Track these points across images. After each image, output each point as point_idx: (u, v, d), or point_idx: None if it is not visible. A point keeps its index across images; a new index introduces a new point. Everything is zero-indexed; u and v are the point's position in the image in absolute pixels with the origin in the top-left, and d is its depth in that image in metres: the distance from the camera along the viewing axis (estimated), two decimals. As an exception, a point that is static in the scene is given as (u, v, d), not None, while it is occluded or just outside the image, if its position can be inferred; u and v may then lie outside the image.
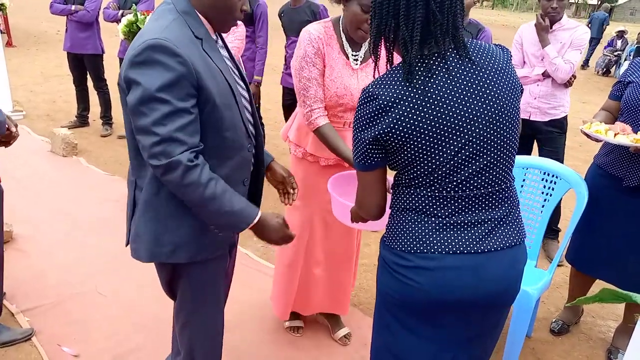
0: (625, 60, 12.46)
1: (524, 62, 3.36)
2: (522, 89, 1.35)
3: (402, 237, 1.34)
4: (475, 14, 3.45)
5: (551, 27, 3.19)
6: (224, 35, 3.03)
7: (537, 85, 3.26)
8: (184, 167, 1.34)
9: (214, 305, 1.79)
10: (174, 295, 1.73)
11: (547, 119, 3.29)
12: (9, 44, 9.56)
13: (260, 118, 2.99)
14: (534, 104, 3.29)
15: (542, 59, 3.23)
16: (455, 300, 1.31)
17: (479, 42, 1.30)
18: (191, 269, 1.61)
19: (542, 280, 2.35)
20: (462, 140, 1.22)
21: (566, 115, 3.32)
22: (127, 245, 1.67)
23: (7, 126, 2.07)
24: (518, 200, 1.40)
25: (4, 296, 2.54)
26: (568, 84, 3.24)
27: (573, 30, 3.19)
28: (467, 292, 1.31)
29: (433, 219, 1.30)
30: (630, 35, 14.27)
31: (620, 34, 13.49)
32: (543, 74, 3.22)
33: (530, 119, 3.29)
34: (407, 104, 1.20)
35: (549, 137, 3.33)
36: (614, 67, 13.23)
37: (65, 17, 5.07)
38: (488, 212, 1.31)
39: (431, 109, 1.20)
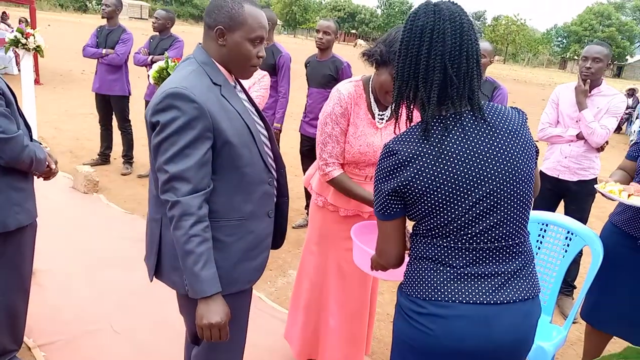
0: (637, 118, 12.59)
1: (558, 121, 3.42)
2: (538, 150, 1.42)
3: (418, 284, 1.40)
4: (488, 69, 3.58)
5: (590, 91, 3.27)
6: (249, 83, 3.19)
7: (569, 145, 3.32)
8: (182, 211, 1.47)
9: (239, 341, 1.83)
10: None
11: (575, 179, 3.33)
12: (36, 81, 9.92)
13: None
14: (564, 163, 3.34)
15: (577, 121, 3.29)
16: (466, 349, 1.34)
17: (495, 104, 1.38)
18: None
19: (558, 336, 2.34)
20: (477, 196, 1.29)
21: (595, 178, 3.33)
22: (151, 280, 1.73)
23: (47, 163, 2.20)
24: (533, 255, 1.44)
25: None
26: (600, 148, 3.30)
27: (611, 98, 3.25)
28: (479, 342, 1.34)
29: (448, 268, 1.35)
30: (640, 94, 14.44)
31: (631, 92, 13.69)
32: (577, 136, 3.29)
33: (559, 177, 3.35)
34: (423, 160, 1.29)
35: (577, 197, 3.36)
36: (625, 124, 13.36)
37: (96, 59, 5.31)
38: (502, 265, 1.35)
39: (446, 165, 1.28)
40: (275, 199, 1.81)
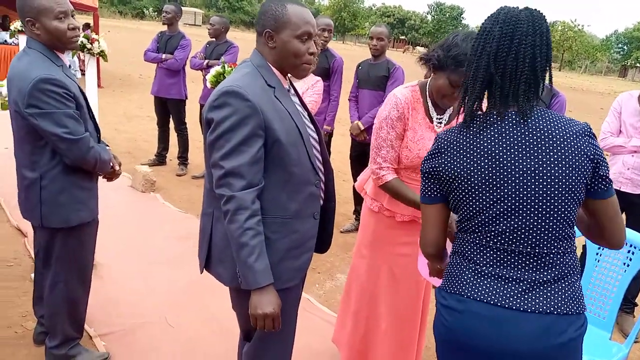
0: None
1: (620, 130, 3.29)
2: (593, 167, 1.32)
3: (447, 277, 1.47)
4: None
5: None
6: (303, 88, 3.24)
7: (632, 156, 3.19)
8: (237, 205, 1.52)
9: (289, 336, 1.87)
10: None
11: (638, 192, 3.19)
12: (98, 85, 10.40)
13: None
14: (627, 175, 3.22)
15: None
16: (476, 347, 1.37)
17: (554, 113, 1.35)
18: None
19: (619, 353, 2.24)
20: (501, 193, 1.32)
21: None
22: (201, 272, 1.79)
23: (111, 164, 2.31)
24: (575, 271, 1.38)
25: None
26: None
27: None
28: (489, 343, 1.35)
29: (473, 265, 1.40)
30: None
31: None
32: None
33: (621, 189, 3.21)
34: (456, 149, 1.38)
35: (639, 210, 3.22)
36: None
37: (156, 64, 5.54)
38: (528, 272, 1.34)
39: (475, 158, 1.34)
40: (322, 202, 1.84)
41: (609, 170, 1.35)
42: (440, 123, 2.13)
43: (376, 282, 2.36)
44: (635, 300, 3.41)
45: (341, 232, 4.50)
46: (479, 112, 1.38)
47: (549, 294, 1.33)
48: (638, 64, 61.27)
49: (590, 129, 1.34)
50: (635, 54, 61.09)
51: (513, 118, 1.34)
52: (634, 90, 3.30)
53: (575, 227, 1.38)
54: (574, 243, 1.39)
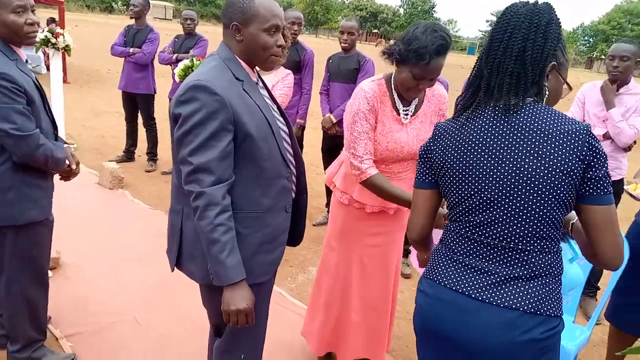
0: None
1: (584, 120, 3.36)
2: (584, 169, 1.25)
3: (429, 264, 1.50)
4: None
5: (618, 90, 3.21)
6: (273, 82, 3.22)
7: None
8: (207, 201, 1.51)
9: (261, 330, 1.86)
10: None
11: None
12: (64, 80, 10.15)
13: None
14: None
15: (604, 120, 3.23)
16: (443, 334, 1.39)
17: (551, 111, 1.29)
18: None
19: (581, 336, 2.31)
20: (477, 185, 1.34)
21: (622, 179, 3.25)
22: (172, 270, 1.77)
23: (68, 163, 2.23)
24: (554, 272, 1.34)
25: (49, 320, 2.66)
26: (628, 148, 3.23)
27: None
28: (453, 331, 1.37)
29: (451, 253, 1.42)
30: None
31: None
32: (604, 135, 3.22)
33: None
34: (446, 138, 1.41)
35: None
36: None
37: (123, 58, 5.42)
38: (500, 266, 1.33)
39: (459, 149, 1.37)
40: (293, 195, 1.84)
41: (606, 175, 1.25)
42: (407, 115, 2.15)
43: (347, 274, 2.38)
44: (598, 284, 3.52)
45: (314, 225, 4.51)
46: (473, 104, 1.39)
47: (518, 290, 1.31)
48: (603, 56, 62.87)
49: (588, 129, 1.25)
50: (600, 46, 62.64)
51: (497, 112, 1.32)
52: (597, 80, 3.39)
53: (559, 228, 1.33)
54: (557, 244, 1.35)
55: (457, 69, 24.08)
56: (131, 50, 5.30)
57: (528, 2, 1.34)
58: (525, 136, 1.28)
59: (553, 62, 1.32)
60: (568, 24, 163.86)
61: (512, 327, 1.30)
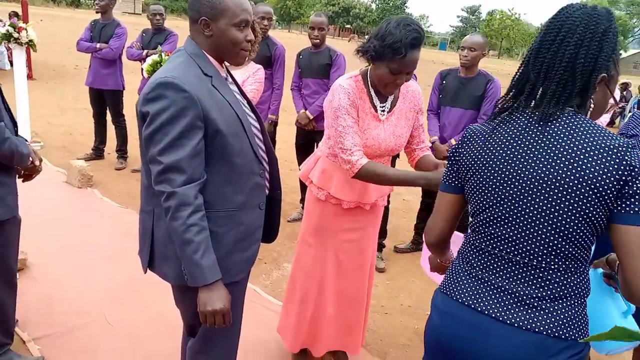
0: (629, 112, 12.68)
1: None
2: (621, 186, 1.15)
3: (445, 277, 1.44)
4: (482, 63, 3.65)
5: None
6: (243, 77, 3.19)
7: None
8: (179, 201, 1.47)
9: (236, 329, 1.84)
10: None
11: None
12: (29, 76, 9.85)
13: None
14: None
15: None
16: (455, 350, 1.33)
17: (591, 124, 1.20)
18: None
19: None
20: (498, 195, 1.27)
21: None
22: (145, 272, 1.73)
23: (31, 159, 2.15)
24: (580, 294, 1.25)
25: (16, 324, 2.58)
26: None
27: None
28: (464, 346, 1.31)
29: (467, 266, 1.36)
30: (633, 88, 14.60)
31: (624, 86, 13.77)
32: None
33: None
34: (477, 141, 1.33)
35: None
36: (618, 118, 13.46)
37: (90, 53, 5.28)
38: (520, 284, 1.26)
39: (488, 154, 1.29)
40: (267, 192, 1.82)
41: None
42: (384, 111, 2.14)
43: (323, 269, 2.37)
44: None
45: (288, 221, 4.49)
46: (511, 107, 1.30)
47: (542, 312, 1.23)
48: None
49: (629, 145, 1.15)
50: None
51: (534, 120, 1.24)
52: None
53: (587, 249, 1.24)
54: (585, 265, 1.26)
55: (429, 64, 24.38)
56: (98, 45, 5.17)
57: (586, 5, 1.24)
58: (557, 148, 1.19)
59: (604, 74, 1.22)
60: (537, 19, 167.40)
61: (535, 351, 1.22)
